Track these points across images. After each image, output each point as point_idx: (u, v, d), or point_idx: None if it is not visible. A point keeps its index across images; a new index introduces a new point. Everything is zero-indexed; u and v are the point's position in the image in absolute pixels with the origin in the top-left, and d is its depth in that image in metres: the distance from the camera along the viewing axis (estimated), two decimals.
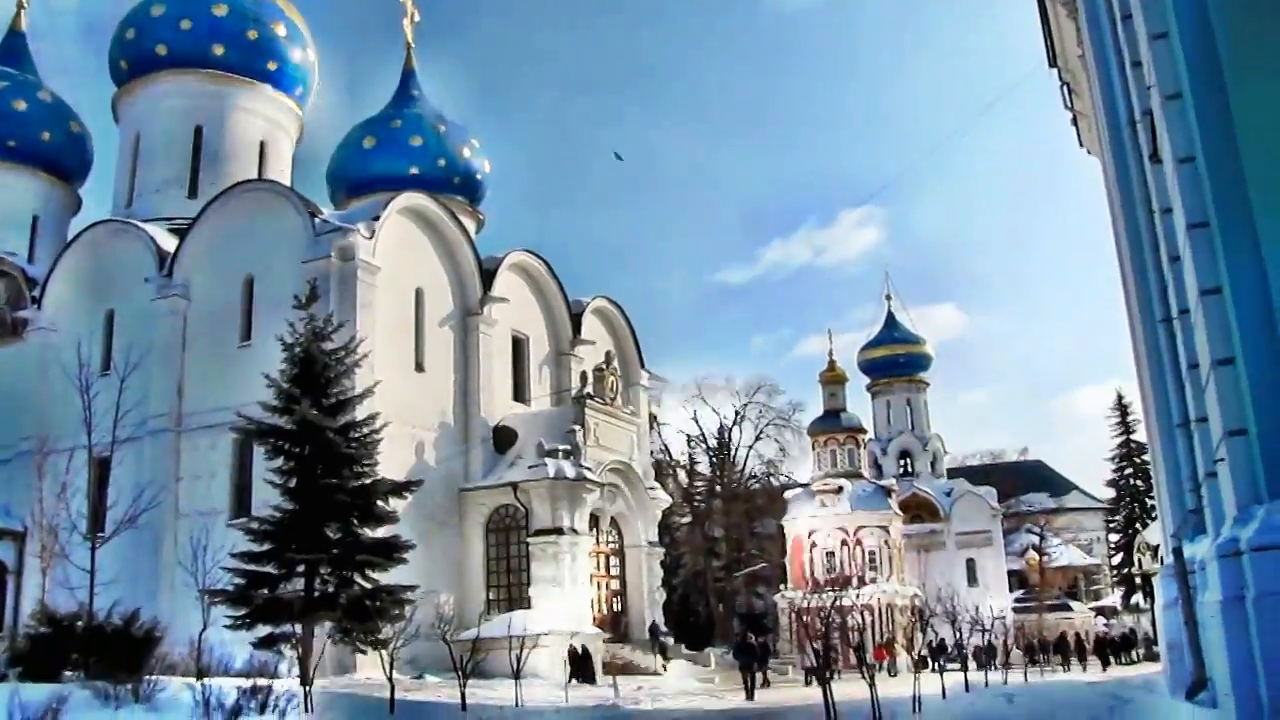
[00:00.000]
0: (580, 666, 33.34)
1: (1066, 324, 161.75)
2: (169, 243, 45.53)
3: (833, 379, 65.23)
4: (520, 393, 49.66)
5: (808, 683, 38.17)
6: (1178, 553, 14.25)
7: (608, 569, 48.64)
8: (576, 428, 45.09)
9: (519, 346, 50.26)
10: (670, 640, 49.46)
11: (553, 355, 52.09)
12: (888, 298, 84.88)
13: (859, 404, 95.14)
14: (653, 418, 64.86)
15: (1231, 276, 10.09)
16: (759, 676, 33.84)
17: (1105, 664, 54.51)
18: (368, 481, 27.39)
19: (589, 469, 44.36)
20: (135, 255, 45.27)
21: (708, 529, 74.80)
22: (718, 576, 73.73)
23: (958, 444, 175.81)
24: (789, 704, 26.76)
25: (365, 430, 27.90)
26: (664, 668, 42.59)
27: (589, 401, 46.22)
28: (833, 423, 63.75)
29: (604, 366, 48.32)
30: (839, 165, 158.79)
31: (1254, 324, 9.86)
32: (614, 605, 48.56)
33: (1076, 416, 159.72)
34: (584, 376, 47.56)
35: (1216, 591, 10.87)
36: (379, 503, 27.53)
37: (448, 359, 45.68)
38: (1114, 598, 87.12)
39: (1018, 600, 75.48)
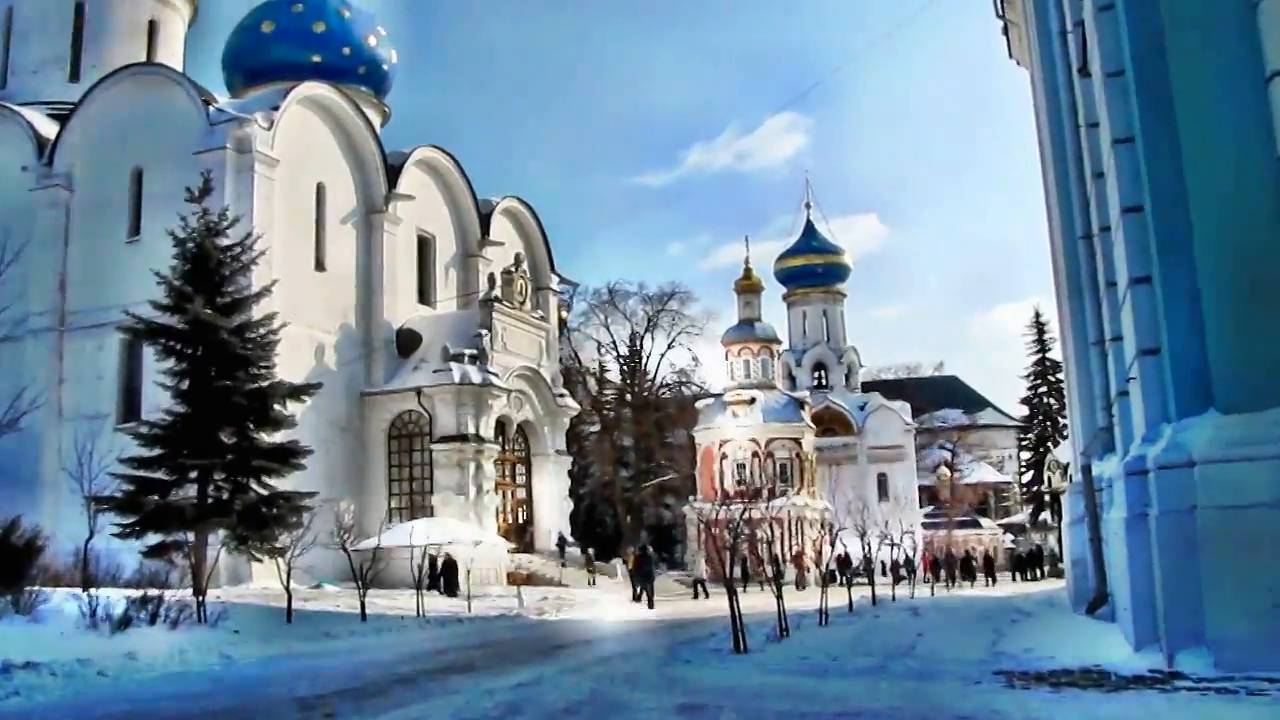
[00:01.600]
0: (445, 577, 33.73)
1: (988, 240, 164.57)
2: (49, 129, 43.66)
3: (748, 287, 65.63)
4: (425, 295, 49.22)
5: (695, 595, 39.07)
6: (1086, 470, 14.77)
7: (514, 478, 48.92)
8: (484, 332, 44.91)
9: (425, 246, 49.66)
10: (577, 550, 50.18)
11: (460, 256, 51.60)
12: (807, 206, 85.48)
13: (775, 314, 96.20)
14: (562, 323, 64.77)
15: (1154, 194, 10.32)
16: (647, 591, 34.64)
17: (1013, 579, 56.75)
18: (264, 384, 27.01)
19: (496, 375, 44.33)
20: (11, 141, 43.36)
21: (617, 438, 75.46)
22: (626, 487, 74.61)
23: (873, 358, 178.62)
24: (693, 615, 27.41)
25: (262, 331, 27.44)
26: (570, 578, 43.22)
27: (497, 305, 45.98)
28: (747, 332, 64.32)
29: (513, 269, 48.04)
30: (765, 69, 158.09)
31: (1173, 243, 10.12)
32: (520, 515, 48.95)
33: (994, 334, 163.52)
34: (492, 279, 47.24)
35: (1121, 509, 11.31)
36: (276, 406, 27.21)
37: (350, 258, 45.01)
38: (1023, 515, 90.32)
39: (928, 516, 77.89)
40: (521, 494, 49.34)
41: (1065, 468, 47.79)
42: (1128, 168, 10.57)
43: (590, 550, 49.94)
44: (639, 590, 35.03)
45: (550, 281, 56.47)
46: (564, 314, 64.32)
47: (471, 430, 43.18)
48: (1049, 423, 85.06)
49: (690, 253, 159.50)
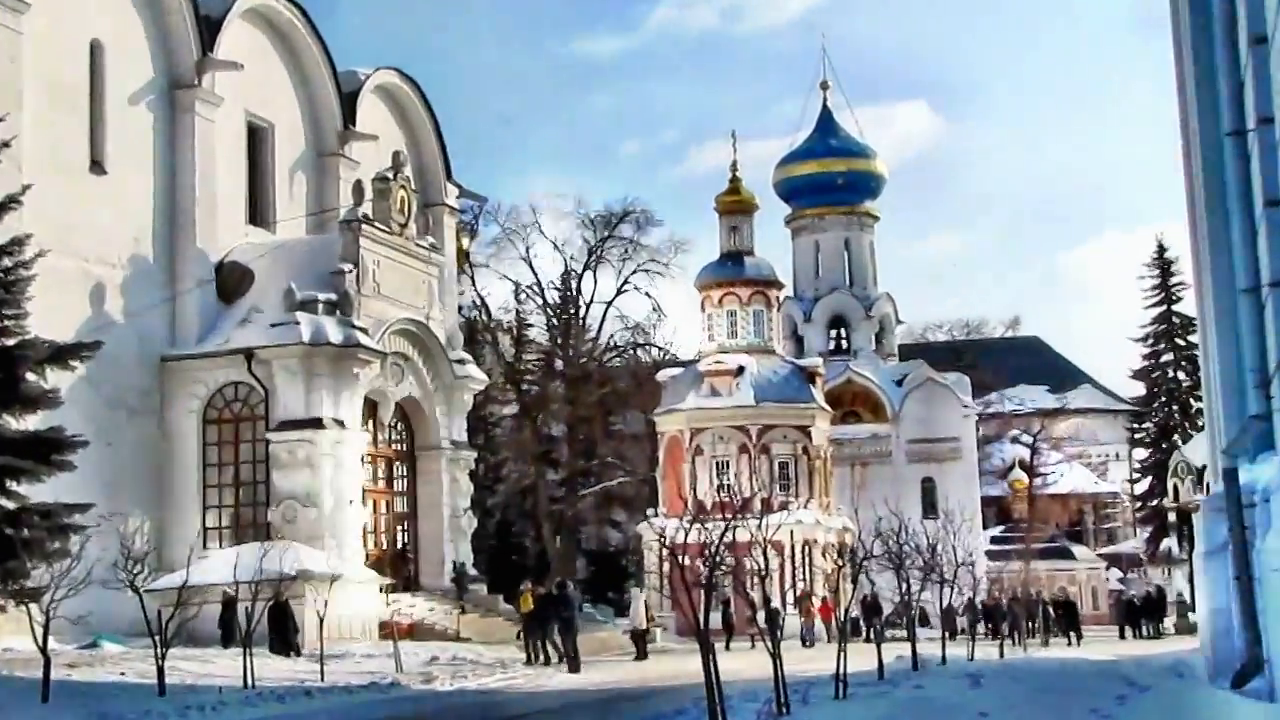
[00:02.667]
0: (276, 628, 33.64)
1: (1085, 142, 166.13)
2: None
3: (736, 206, 65.44)
4: (259, 212, 48.85)
5: (637, 655, 39.19)
6: (1231, 477, 14.67)
7: (391, 482, 48.70)
8: (346, 267, 44.53)
9: (259, 140, 49.20)
10: (483, 588, 49.90)
11: (311, 156, 51.10)
12: (823, 87, 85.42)
13: (775, 246, 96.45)
14: (464, 256, 64.41)
15: None
16: (555, 647, 34.62)
17: (1121, 634, 57.22)
18: (10, 343, 26.54)
19: (364, 331, 44.02)
20: None
21: (543, 425, 75.42)
22: (556, 495, 74.59)
23: (918, 310, 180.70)
24: (644, 683, 27.41)
25: (5, 263, 26.94)
26: (472, 629, 43.05)
27: (366, 228, 45.59)
28: (733, 271, 64.20)
29: (390, 176, 47.61)
30: None
31: None
32: (400, 537, 48.75)
33: (1094, 277, 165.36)
34: (359, 190, 46.77)
35: None
36: (30, 377, 26.77)
37: (144, 156, 44.44)
38: (1136, 542, 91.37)
39: (995, 540, 78.53)
40: (402, 506, 49.12)
41: (1200, 473, 48.15)
42: None
43: (485, 587, 49.73)
44: (538, 646, 35.12)
45: (446, 195, 56.05)
46: (466, 243, 63.95)
47: (327, 412, 42.89)
48: (1175, 407, 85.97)
49: (652, 155, 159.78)
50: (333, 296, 43.84)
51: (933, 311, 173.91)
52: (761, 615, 38.19)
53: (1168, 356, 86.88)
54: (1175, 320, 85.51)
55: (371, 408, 46.26)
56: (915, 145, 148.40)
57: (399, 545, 48.49)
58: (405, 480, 49.39)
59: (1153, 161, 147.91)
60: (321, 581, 35.36)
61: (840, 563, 48.76)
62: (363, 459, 44.97)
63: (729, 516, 39.24)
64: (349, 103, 51.69)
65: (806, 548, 58.35)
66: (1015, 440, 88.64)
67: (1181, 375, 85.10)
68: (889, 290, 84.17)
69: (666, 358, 75.79)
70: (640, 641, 40.47)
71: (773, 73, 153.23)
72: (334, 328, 43.14)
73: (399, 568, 47.10)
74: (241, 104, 47.74)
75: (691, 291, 68.53)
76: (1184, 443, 65.51)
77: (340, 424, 43.15)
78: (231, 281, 45.41)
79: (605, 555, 78.25)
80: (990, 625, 53.30)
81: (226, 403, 44.07)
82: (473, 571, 49.85)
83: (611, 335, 77.13)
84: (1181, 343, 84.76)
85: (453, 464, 50.30)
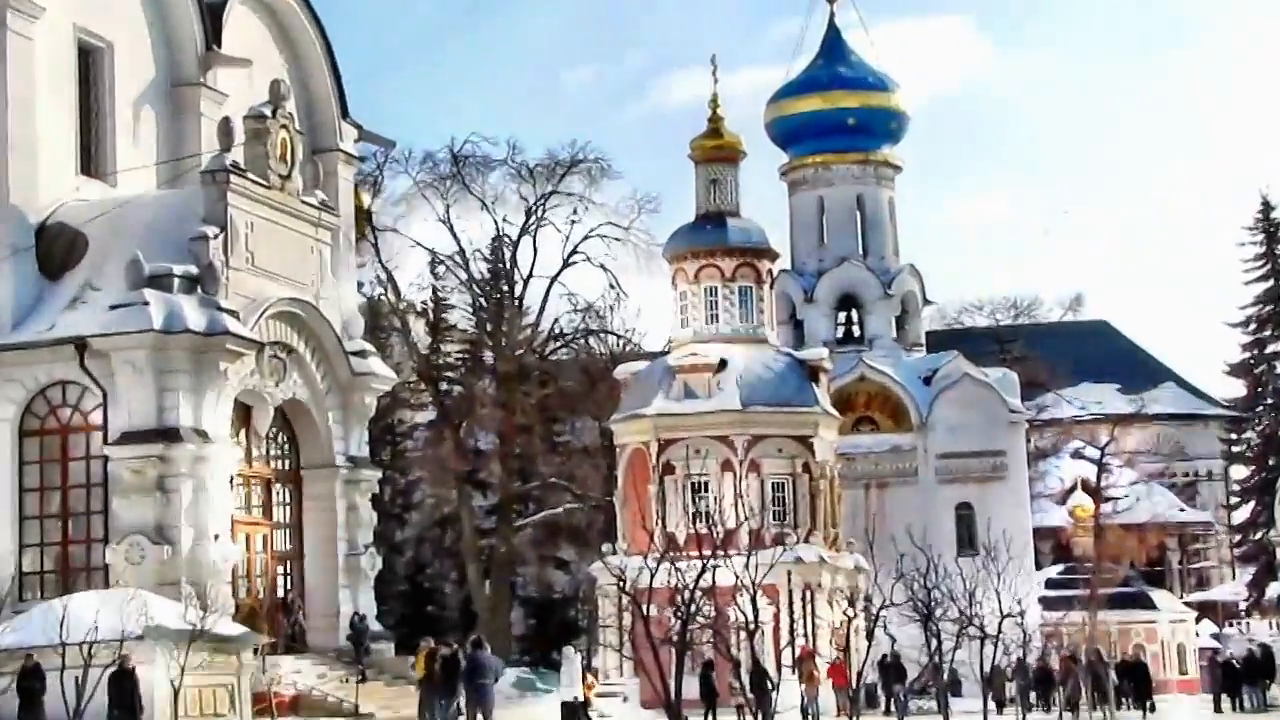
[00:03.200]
0: (117, 700, 33.52)
1: (1169, 75, 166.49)
2: None
3: (716, 152, 65.38)
4: (94, 160, 48.57)
5: None
6: None
7: (269, 510, 48.58)
8: (210, 232, 44.37)
9: (92, 65, 48.87)
10: (389, 648, 49.86)
11: (162, 86, 50.76)
12: None
13: (767, 203, 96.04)
14: (365, 217, 64.31)
15: None
16: None
17: (1217, 705, 57.39)
18: None
19: (234, 313, 43.89)
20: None
21: (469, 435, 75.32)
22: (485, 527, 74.54)
23: (951, 286, 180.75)
24: None
25: None
26: (376, 700, 43.01)
27: (236, 180, 45.41)
28: (714, 236, 64.18)
29: (268, 113, 47.47)
30: None
31: None
32: (283, 581, 48.63)
33: (1178, 244, 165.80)
34: (226, 130, 46.62)
35: None
36: None
37: None
38: (1235, 585, 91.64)
39: (1052, 584, 78.69)
40: (284, 541, 49.01)
41: None
42: None
43: (392, 646, 49.62)
44: None
45: (340, 138, 55.79)
46: (367, 200, 63.91)
47: (185, 421, 42.68)
48: None
49: (609, 87, 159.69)
50: (192, 270, 43.54)
51: (971, 289, 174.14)
52: (749, 681, 38.57)
53: (1275, 346, 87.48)
54: None
55: (244, 414, 46.02)
56: (951, 76, 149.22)
57: (280, 593, 48.20)
58: (288, 508, 49.11)
59: (1258, 98, 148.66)
60: (177, 641, 35.23)
61: (852, 613, 49.31)
62: (232, 481, 44.73)
63: (707, 554, 39.59)
64: (213, 16, 51.19)
65: (808, 594, 58.39)
66: (1077, 455, 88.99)
67: None
68: (914, 262, 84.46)
69: (627, 349, 75.75)
70: (575, 718, 40.59)
71: None
72: (194, 310, 42.82)
73: (279, 622, 46.77)
74: (69, 16, 47.18)
75: (660, 263, 68.56)
76: None
77: (202, 435, 42.90)
78: (58, 250, 45.10)
79: (548, 604, 78.36)
80: (1043, 693, 53.72)
81: (51, 408, 43.78)
82: (376, 627, 49.63)
83: (556, 320, 77.16)
84: None
85: (350, 487, 50.07)
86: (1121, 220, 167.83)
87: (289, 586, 48.83)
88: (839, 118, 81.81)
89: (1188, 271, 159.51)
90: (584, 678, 42.80)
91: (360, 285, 61.91)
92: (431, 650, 37.93)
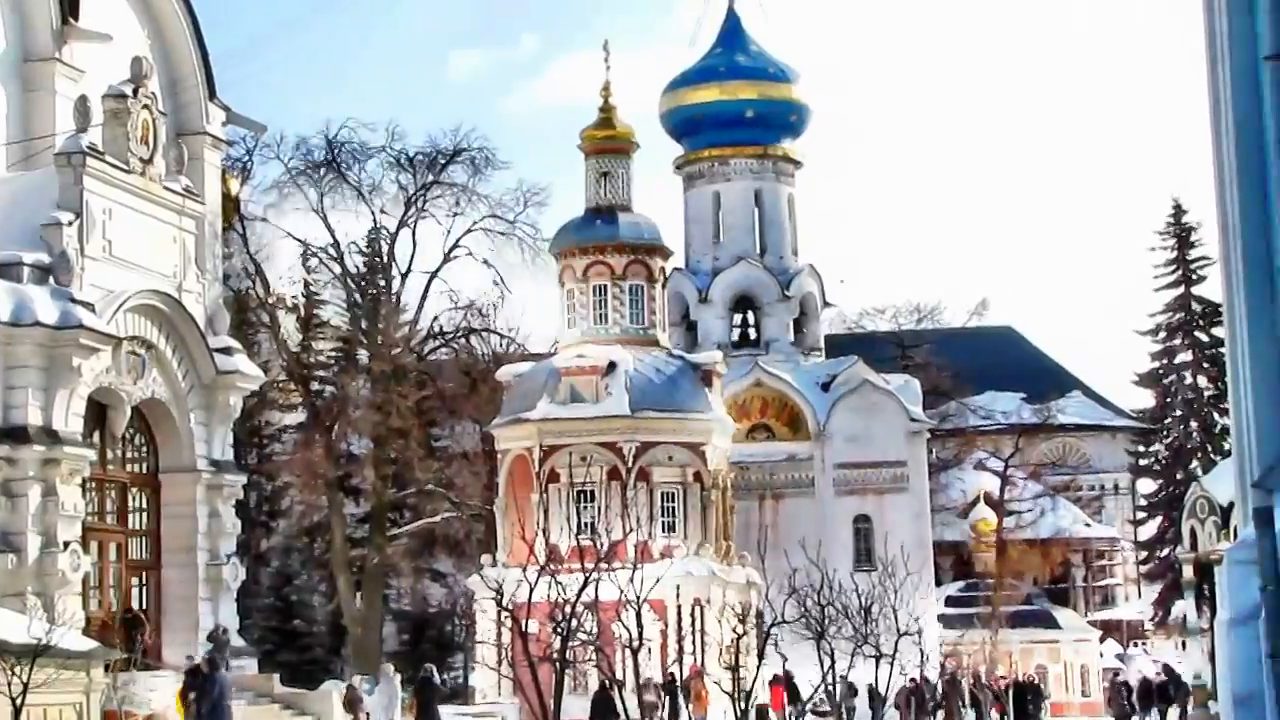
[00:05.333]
0: None
1: (1084, 71, 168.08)
2: None
3: (608, 143, 65.42)
4: None
5: None
6: (1265, 519, 14.85)
7: (125, 516, 48.11)
8: (64, 218, 43.93)
9: None
10: (252, 665, 49.54)
11: (13, 62, 50.11)
12: None
13: (661, 198, 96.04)
14: (233, 205, 63.75)
15: None
16: None
17: None
18: None
19: (89, 306, 43.46)
20: None
21: (341, 438, 74.97)
22: (357, 536, 74.24)
23: (852, 288, 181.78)
24: None
25: None
26: None
27: (93, 163, 44.97)
28: (604, 232, 64.21)
29: (128, 92, 47.04)
30: None
31: None
32: (137, 593, 48.13)
33: (1087, 249, 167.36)
34: (83, 110, 46.17)
35: None
36: None
37: None
38: (1141, 604, 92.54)
39: (953, 600, 79.24)
40: (140, 550, 48.50)
41: (1225, 513, 48.85)
42: None
43: (255, 662, 49.35)
44: None
45: (207, 121, 55.28)
46: (236, 188, 63.37)
47: (34, 420, 42.18)
48: (1194, 424, 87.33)
49: (495, 72, 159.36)
50: (44, 259, 43.02)
51: (872, 292, 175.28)
52: (633, 701, 38.40)
53: (1184, 356, 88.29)
54: (1196, 307, 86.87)
55: (98, 414, 45.55)
56: (856, 68, 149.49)
57: (135, 605, 47.71)
58: (145, 514, 48.59)
59: (1172, 98, 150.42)
60: (21, 656, 34.80)
61: (742, 630, 49.40)
62: (85, 484, 44.20)
63: (591, 567, 39.42)
64: None
65: (698, 609, 58.46)
66: (981, 466, 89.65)
67: (1203, 381, 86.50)
68: (813, 262, 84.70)
69: (511, 350, 75.61)
70: None
71: None
72: (45, 302, 42.30)
73: (131, 637, 46.26)
74: None
75: (547, 259, 68.46)
76: (1205, 471, 66.55)
77: (52, 436, 42.36)
78: None
79: (423, 619, 78.12)
80: (918, 713, 54.11)
81: None
82: (238, 642, 49.25)
83: (436, 318, 76.91)
84: (1204, 337, 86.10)
85: (212, 492, 49.65)
86: (1028, 223, 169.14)
87: (143, 598, 48.30)
88: (737, 109, 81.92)
89: (1096, 277, 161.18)
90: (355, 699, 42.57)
91: (227, 278, 61.28)
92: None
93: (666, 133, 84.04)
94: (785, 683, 52.04)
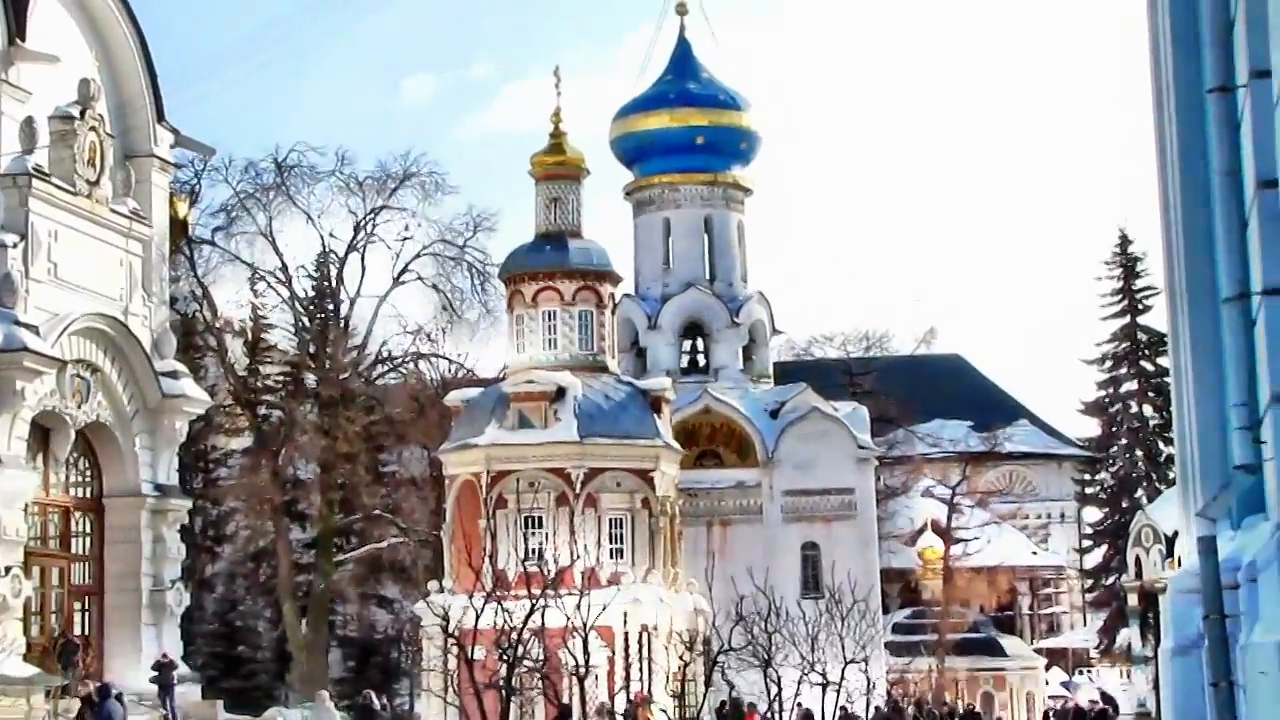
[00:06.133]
0: None
1: (1035, 100, 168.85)
2: None
3: (558, 169, 65.36)
4: None
5: None
6: (1208, 548, 14.92)
7: (67, 541, 47.83)
8: (9, 240, 43.80)
9: None
10: (196, 691, 49.27)
11: None
12: (680, 10, 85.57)
13: (611, 224, 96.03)
14: (181, 228, 63.57)
15: None
16: None
17: None
18: None
19: (33, 328, 43.30)
20: None
21: (287, 463, 74.68)
22: (304, 562, 73.95)
23: (801, 315, 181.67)
24: None
25: None
26: None
27: (39, 185, 44.86)
28: (553, 258, 64.14)
29: (76, 113, 46.92)
30: None
31: None
32: (79, 619, 47.85)
33: (1035, 278, 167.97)
34: (29, 131, 46.03)
35: (1276, 626, 11.37)
36: None
37: None
38: (1085, 631, 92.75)
39: (899, 628, 79.28)
40: (83, 575, 48.26)
41: (1170, 542, 49.05)
42: None
43: (199, 689, 49.15)
44: None
45: (155, 143, 55.12)
46: (184, 211, 63.15)
47: None
48: (1139, 452, 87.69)
49: (447, 97, 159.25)
50: None
51: (821, 319, 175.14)
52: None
53: (1130, 385, 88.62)
54: (1141, 337, 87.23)
55: (42, 437, 45.37)
56: (806, 96, 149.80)
57: (79, 631, 47.45)
58: (88, 539, 48.40)
59: (1118, 130, 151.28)
60: None
61: (689, 657, 49.38)
62: (27, 509, 44.06)
63: (538, 593, 39.36)
64: (17, 8, 50.41)
65: (645, 636, 58.32)
66: (928, 494, 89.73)
67: (1148, 410, 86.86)
68: (763, 289, 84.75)
69: (459, 375, 75.50)
70: None
71: None
72: None
73: (73, 663, 46.00)
74: None
75: (496, 285, 68.39)
76: (1150, 500, 67.03)
77: None
78: None
79: (369, 645, 77.84)
80: None
81: None
82: (182, 668, 49.02)
83: (384, 342, 76.77)
84: (1149, 367, 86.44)
85: (157, 517, 49.47)
86: (977, 252, 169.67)
87: (85, 624, 48.06)
88: (687, 136, 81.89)
89: (1043, 307, 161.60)
90: None
91: (173, 301, 61.09)
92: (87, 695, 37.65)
93: (617, 159, 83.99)
94: (730, 710, 51.97)
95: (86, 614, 48.30)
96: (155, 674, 47.12)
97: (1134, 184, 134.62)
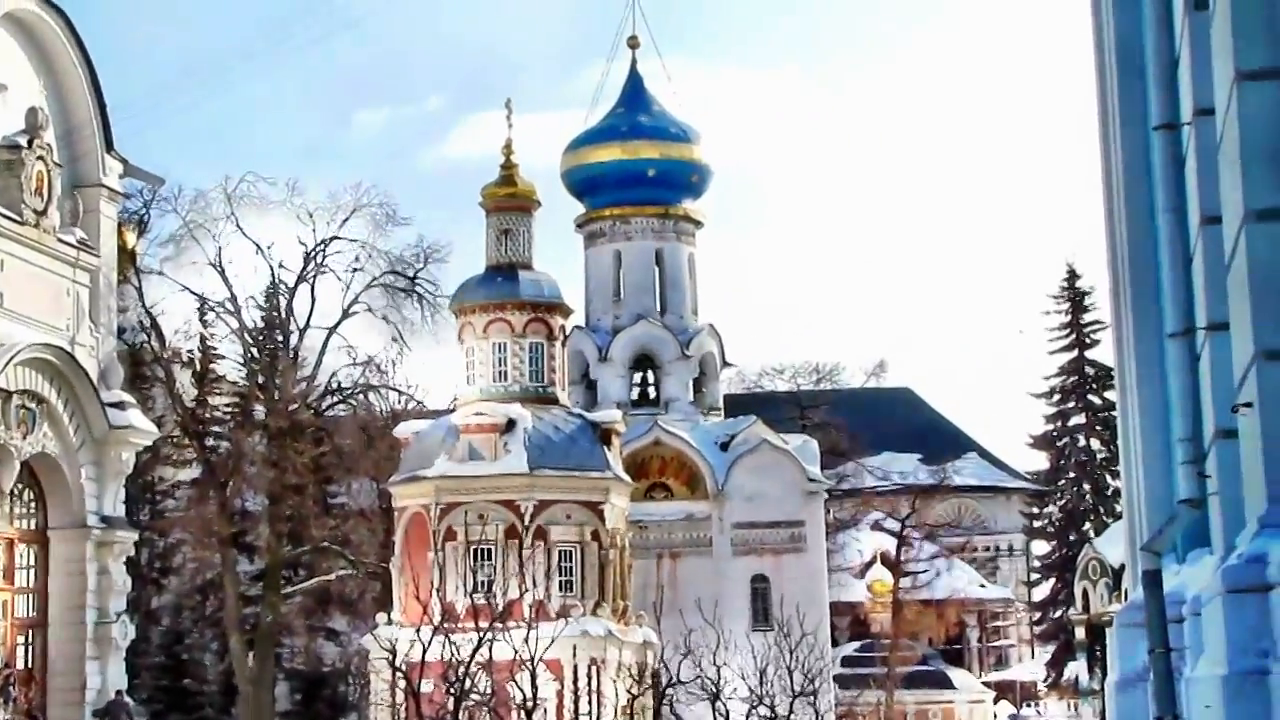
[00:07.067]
0: None
1: (983, 139, 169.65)
2: None
3: (509, 201, 65.39)
4: None
5: None
6: (1153, 581, 14.99)
7: (11, 574, 47.52)
8: None
9: None
10: None
11: None
12: (632, 44, 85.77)
13: (562, 256, 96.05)
14: (129, 258, 63.37)
15: None
16: None
17: None
18: None
19: None
20: None
21: (235, 495, 74.36)
22: (251, 594, 73.57)
23: (751, 348, 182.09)
24: None
25: None
26: None
27: None
28: (504, 289, 64.13)
29: (23, 142, 46.76)
30: None
31: None
32: (23, 652, 47.60)
33: (984, 312, 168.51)
34: None
35: (1219, 659, 11.42)
36: None
37: None
38: (1033, 664, 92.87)
39: (848, 661, 79.30)
40: (26, 608, 47.96)
41: (1117, 575, 49.25)
42: None
43: None
44: None
45: (104, 173, 54.85)
46: (132, 240, 62.94)
47: None
48: (1087, 486, 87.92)
49: (399, 129, 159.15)
50: None
51: (771, 352, 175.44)
52: None
53: (1078, 419, 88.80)
54: (1089, 371, 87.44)
55: None
56: (757, 129, 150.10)
57: (22, 665, 47.13)
58: (33, 571, 48.05)
59: (1066, 166, 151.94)
60: None
61: (638, 691, 49.33)
62: None
63: (486, 626, 39.29)
64: None
65: (594, 670, 58.26)
66: (878, 526, 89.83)
67: (1096, 444, 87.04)
68: (713, 322, 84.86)
69: (409, 406, 75.32)
70: None
71: (569, 20, 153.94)
72: None
73: (13, 698, 45.70)
74: None
75: (447, 316, 68.29)
76: (1097, 534, 67.12)
77: None
78: None
79: (317, 678, 77.44)
80: None
81: None
82: (128, 701, 48.76)
83: (334, 374, 76.38)
84: (1097, 401, 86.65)
85: (103, 549, 49.10)
86: (927, 286, 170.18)
87: (30, 657, 47.68)
88: (638, 169, 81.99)
89: (993, 341, 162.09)
90: None
91: (121, 331, 60.75)
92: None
93: (568, 191, 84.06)
94: None
95: (30, 647, 47.89)
96: (100, 709, 46.77)
97: (1082, 219, 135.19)
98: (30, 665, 47.56)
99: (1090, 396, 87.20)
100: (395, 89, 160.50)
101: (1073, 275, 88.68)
